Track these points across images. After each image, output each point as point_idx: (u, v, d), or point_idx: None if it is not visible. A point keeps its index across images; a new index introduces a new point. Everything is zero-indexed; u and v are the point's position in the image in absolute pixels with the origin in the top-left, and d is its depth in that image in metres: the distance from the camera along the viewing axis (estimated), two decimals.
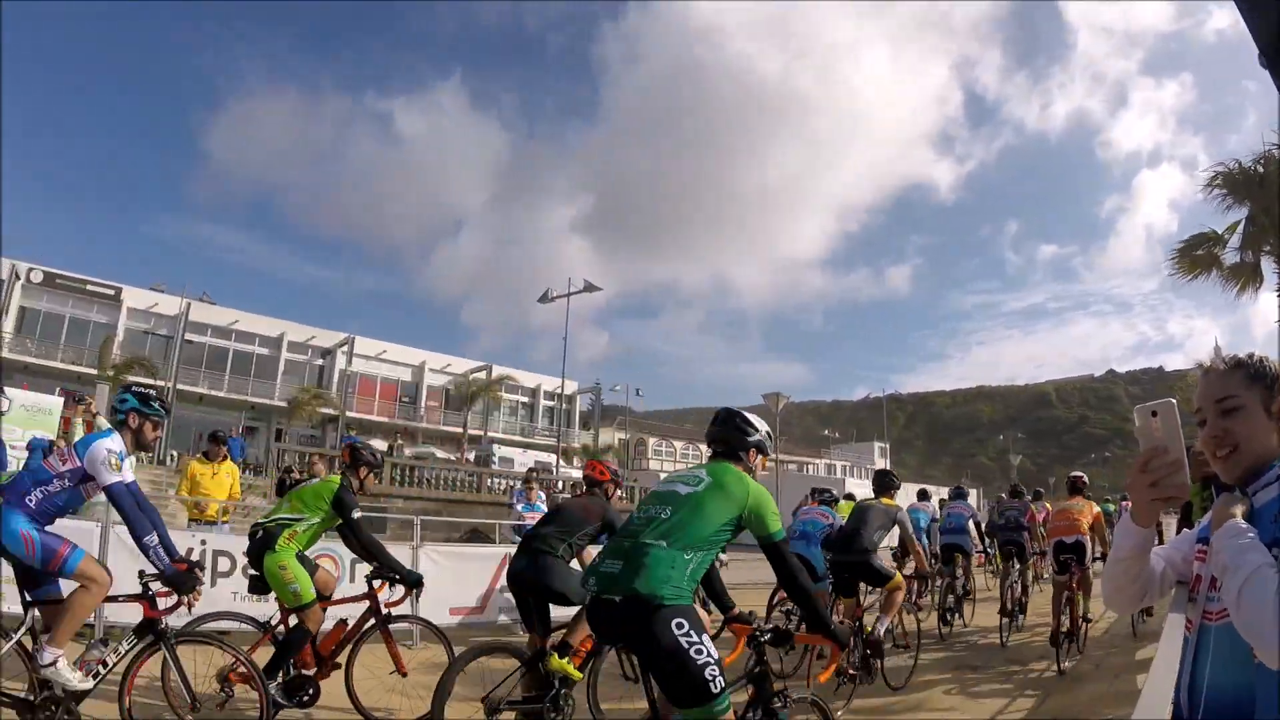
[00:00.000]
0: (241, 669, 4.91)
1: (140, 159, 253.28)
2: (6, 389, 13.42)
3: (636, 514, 3.47)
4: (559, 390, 42.92)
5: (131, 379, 36.60)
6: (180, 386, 38.56)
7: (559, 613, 5.60)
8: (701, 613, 3.85)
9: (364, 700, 5.58)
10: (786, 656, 6.60)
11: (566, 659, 5.08)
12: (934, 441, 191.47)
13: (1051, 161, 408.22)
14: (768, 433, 3.80)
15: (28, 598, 4.34)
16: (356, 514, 5.65)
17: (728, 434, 3.68)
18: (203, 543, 7.85)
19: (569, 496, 6.79)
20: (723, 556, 8.37)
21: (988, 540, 12.23)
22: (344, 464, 6.01)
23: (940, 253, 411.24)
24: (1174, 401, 1.57)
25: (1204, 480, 4.19)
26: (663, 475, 3.39)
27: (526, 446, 46.78)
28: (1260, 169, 12.92)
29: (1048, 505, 13.54)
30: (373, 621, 5.77)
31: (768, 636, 3.66)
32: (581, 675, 5.26)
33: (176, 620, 4.90)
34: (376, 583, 5.91)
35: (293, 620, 5.45)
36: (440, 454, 39.74)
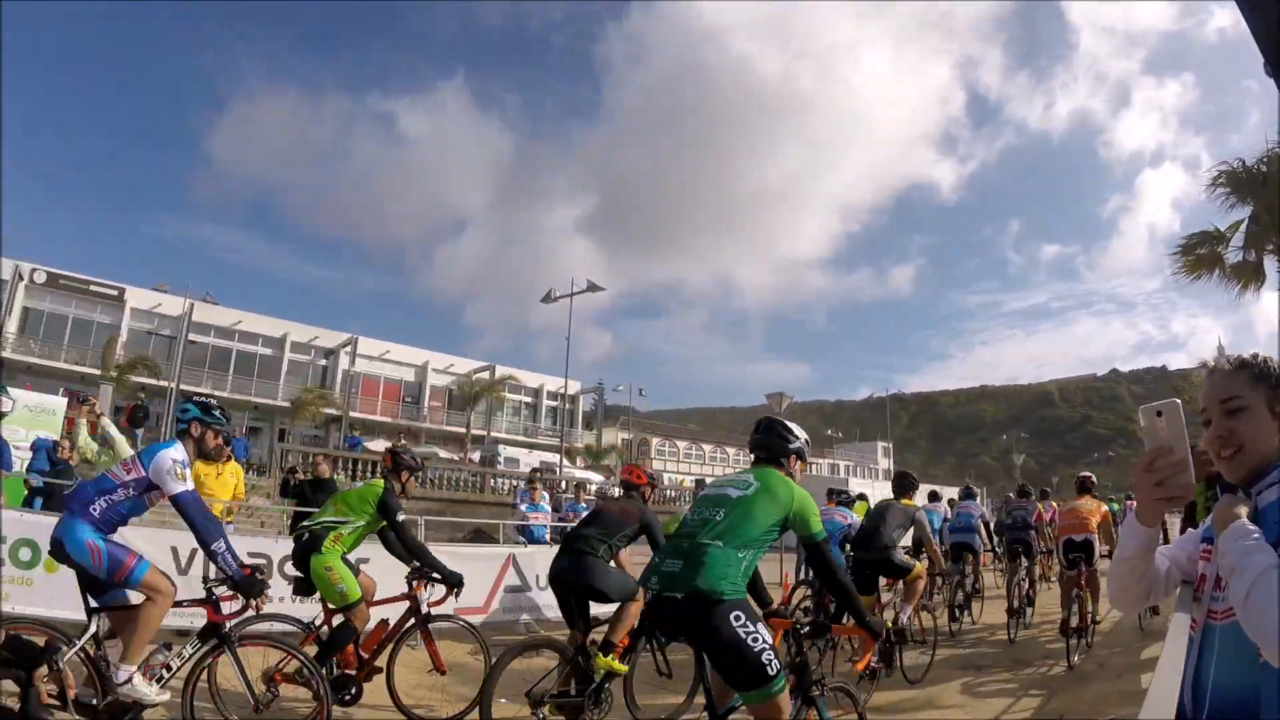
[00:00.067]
0: (289, 668, 5.00)
1: (141, 159, 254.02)
2: (10, 389, 13.43)
3: (690, 516, 3.73)
4: (562, 390, 42.82)
5: (134, 378, 36.70)
6: (183, 387, 38.49)
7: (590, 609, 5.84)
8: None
9: (404, 699, 5.71)
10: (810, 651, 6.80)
11: (610, 656, 5.36)
12: (937, 441, 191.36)
13: (1054, 161, 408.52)
14: (806, 440, 4.06)
15: (92, 604, 4.38)
16: (401, 516, 5.85)
17: (770, 441, 3.94)
18: None
19: (606, 499, 7.20)
20: None
21: (996, 539, 12.27)
22: (386, 469, 6.17)
23: (942, 253, 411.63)
24: (1179, 402, 1.58)
25: (1208, 480, 4.19)
26: (709, 479, 3.80)
27: (530, 446, 46.76)
28: (1264, 168, 12.90)
29: (1054, 504, 13.60)
30: (413, 621, 5.92)
31: (806, 629, 4.00)
32: (626, 668, 5.61)
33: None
34: (416, 582, 6.06)
35: (336, 620, 5.58)
36: (443, 454, 39.76)
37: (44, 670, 2.00)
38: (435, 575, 6.00)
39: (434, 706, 5.84)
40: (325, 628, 5.65)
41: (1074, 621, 8.05)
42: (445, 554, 8.59)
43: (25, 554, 6.87)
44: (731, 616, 3.28)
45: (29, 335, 38.33)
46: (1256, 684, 1.41)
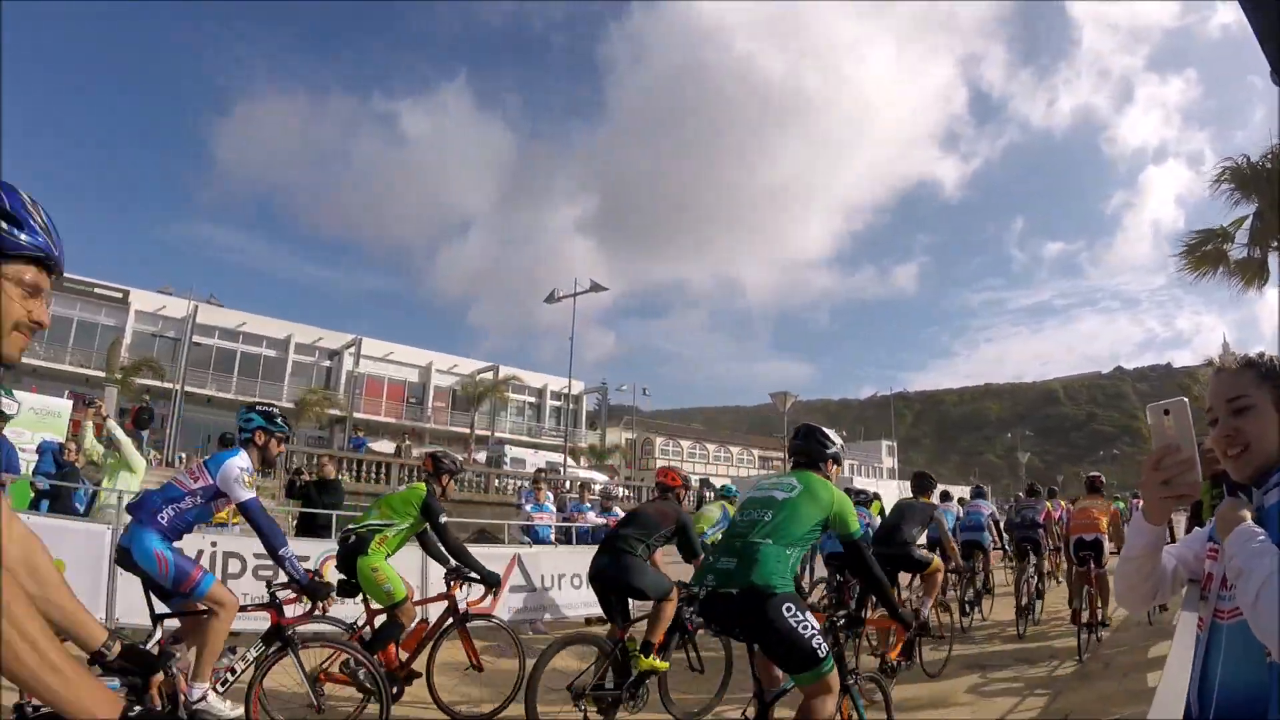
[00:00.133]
0: (333, 668, 5.18)
1: (145, 161, 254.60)
2: (15, 392, 13.46)
3: (740, 517, 4.04)
4: (565, 390, 42.89)
5: (139, 380, 36.77)
6: (188, 388, 38.66)
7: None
8: None
9: (443, 696, 5.91)
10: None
11: (652, 656, 5.67)
12: (942, 440, 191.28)
13: (1057, 158, 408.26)
14: (842, 445, 4.41)
15: (156, 611, 4.47)
16: (444, 518, 6.12)
17: (810, 447, 4.28)
18: (213, 544, 7.87)
19: (646, 501, 7.55)
20: None
21: (1006, 537, 12.34)
22: (427, 473, 6.40)
23: (946, 251, 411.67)
24: (1186, 401, 1.58)
25: (1213, 478, 4.19)
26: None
27: (534, 447, 46.82)
28: (1268, 165, 12.85)
29: (1063, 503, 13.64)
30: (451, 620, 6.12)
31: (842, 622, 4.35)
32: (668, 665, 5.96)
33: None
34: (453, 582, 6.27)
35: (379, 619, 5.81)
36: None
37: (160, 677, 2.07)
38: (473, 575, 6.18)
39: (472, 702, 6.05)
40: (367, 628, 5.84)
41: (1085, 616, 8.21)
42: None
43: None
44: (784, 608, 3.58)
45: (34, 337, 38.32)
46: (1264, 683, 1.41)
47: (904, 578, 8.35)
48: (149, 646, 4.21)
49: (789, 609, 3.59)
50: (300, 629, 5.45)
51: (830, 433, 4.36)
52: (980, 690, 7.06)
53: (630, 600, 6.05)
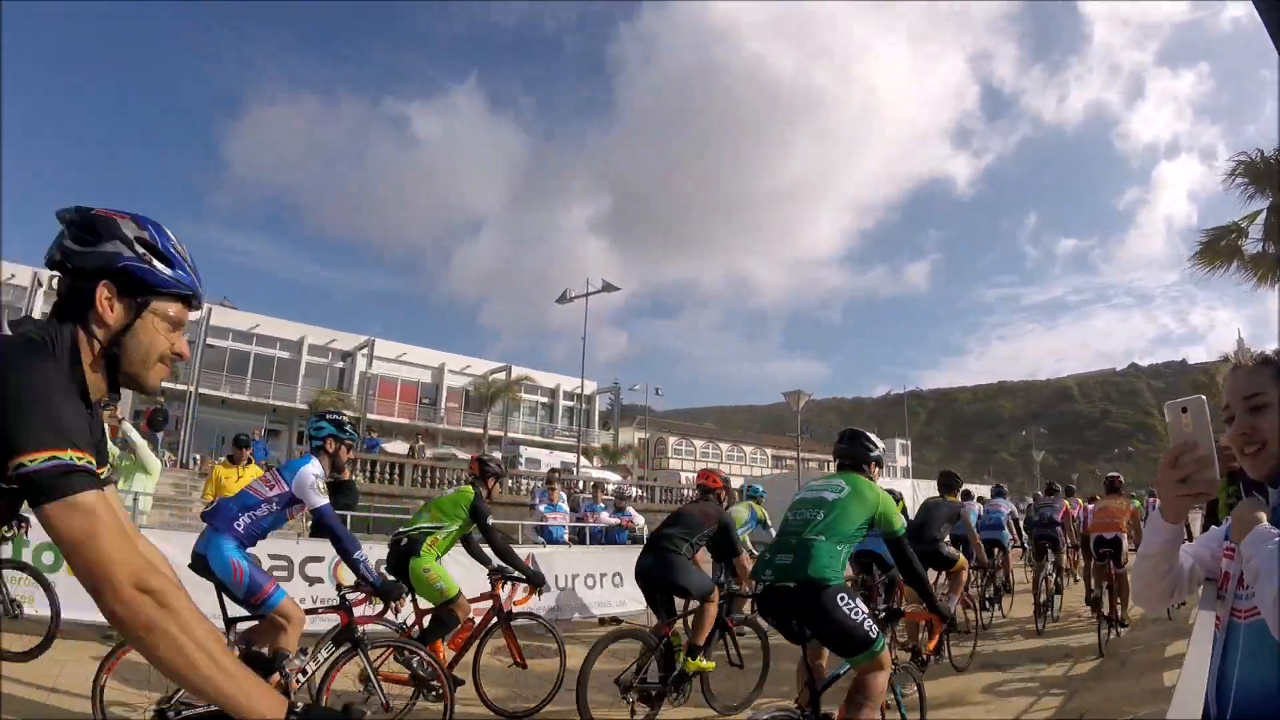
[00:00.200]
0: (387, 668, 5.32)
1: (157, 165, 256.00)
2: None
3: (792, 515, 4.26)
4: (578, 390, 42.89)
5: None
6: (203, 390, 38.89)
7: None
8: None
9: (488, 693, 6.08)
10: None
11: (699, 658, 5.93)
12: (955, 438, 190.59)
13: (1069, 154, 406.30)
14: (884, 448, 4.70)
15: (229, 614, 4.56)
16: (491, 520, 6.42)
17: (855, 450, 4.54)
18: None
19: (688, 503, 7.83)
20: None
21: (1025, 535, 12.33)
22: (473, 476, 6.79)
23: (958, 248, 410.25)
24: (1204, 398, 1.57)
25: (1229, 475, 4.17)
26: (810, 482, 4.36)
27: (548, 447, 46.86)
28: None
29: (1080, 501, 13.62)
30: (496, 619, 6.31)
31: (882, 614, 4.63)
32: (714, 665, 6.26)
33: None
34: (497, 582, 6.49)
35: (427, 619, 6.00)
36: (461, 455, 39.83)
37: (276, 678, 2.11)
38: (518, 575, 6.48)
39: (517, 698, 6.24)
40: (416, 628, 5.99)
41: (1104, 609, 8.34)
42: (463, 553, 8.66)
43: (48, 558, 7.00)
44: (839, 598, 3.86)
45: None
46: None
47: (930, 574, 8.37)
48: None
49: (843, 599, 3.87)
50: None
51: (873, 436, 4.62)
52: (996, 690, 7.03)
53: (674, 597, 6.26)
